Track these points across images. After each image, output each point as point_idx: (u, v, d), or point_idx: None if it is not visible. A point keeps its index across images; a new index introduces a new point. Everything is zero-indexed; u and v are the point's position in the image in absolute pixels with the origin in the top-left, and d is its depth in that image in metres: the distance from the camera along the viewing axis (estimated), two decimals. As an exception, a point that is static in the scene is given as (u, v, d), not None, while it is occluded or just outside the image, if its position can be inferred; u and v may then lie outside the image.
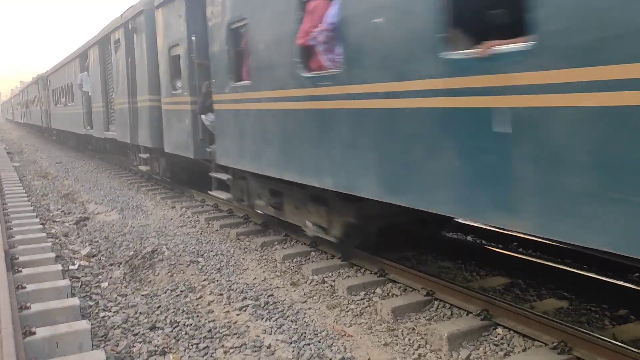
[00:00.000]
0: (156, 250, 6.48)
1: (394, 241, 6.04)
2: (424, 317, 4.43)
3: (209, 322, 4.57)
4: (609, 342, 3.41)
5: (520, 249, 5.93)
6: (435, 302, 4.63)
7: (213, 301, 5.05)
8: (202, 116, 7.93)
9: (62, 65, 21.08)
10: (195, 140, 8.24)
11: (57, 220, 8.80)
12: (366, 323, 4.43)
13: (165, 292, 5.29)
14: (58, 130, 24.24)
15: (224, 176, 7.70)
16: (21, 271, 5.28)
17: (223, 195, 7.86)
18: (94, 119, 15.66)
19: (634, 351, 3.27)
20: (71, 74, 19.05)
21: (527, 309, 4.11)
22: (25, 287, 4.77)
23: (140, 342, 4.22)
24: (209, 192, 8.37)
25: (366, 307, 4.73)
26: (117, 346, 4.16)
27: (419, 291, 4.81)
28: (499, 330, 4.02)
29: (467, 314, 4.31)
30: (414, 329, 4.25)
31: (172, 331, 4.41)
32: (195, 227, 8.07)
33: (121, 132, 12.56)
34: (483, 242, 6.34)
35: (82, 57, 16.95)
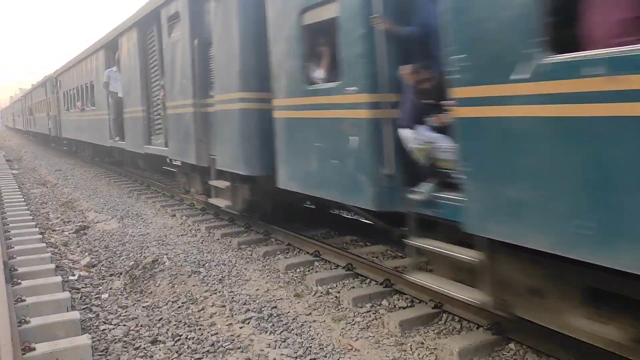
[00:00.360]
0: (157, 260, 6.37)
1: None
2: (433, 331, 4.33)
3: (212, 335, 4.47)
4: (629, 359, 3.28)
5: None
6: (444, 315, 4.52)
7: (215, 313, 4.95)
8: (407, 131, 4.36)
9: (78, 61, 17.31)
10: (380, 177, 4.52)
11: (57, 229, 8.69)
12: (373, 337, 4.32)
13: (167, 304, 5.19)
14: (70, 140, 21.07)
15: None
16: (20, 283, 5.17)
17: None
18: (126, 128, 12.06)
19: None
20: (91, 72, 15.51)
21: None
22: (24, 300, 4.66)
23: (141, 357, 4.12)
24: None
25: (373, 320, 4.62)
26: (118, 361, 4.05)
27: (426, 303, 4.70)
28: (512, 345, 3.91)
29: (477, 328, 4.21)
30: (422, 343, 4.14)
31: (174, 345, 4.31)
32: (196, 236, 7.96)
33: (178, 148, 8.99)
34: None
35: (109, 48, 13.43)
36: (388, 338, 4.27)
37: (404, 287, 5.07)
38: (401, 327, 4.31)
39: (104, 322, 4.80)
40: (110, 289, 5.75)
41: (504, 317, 4.06)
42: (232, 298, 5.26)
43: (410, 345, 4.11)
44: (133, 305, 5.23)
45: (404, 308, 4.77)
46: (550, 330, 3.74)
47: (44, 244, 7.08)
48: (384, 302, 4.93)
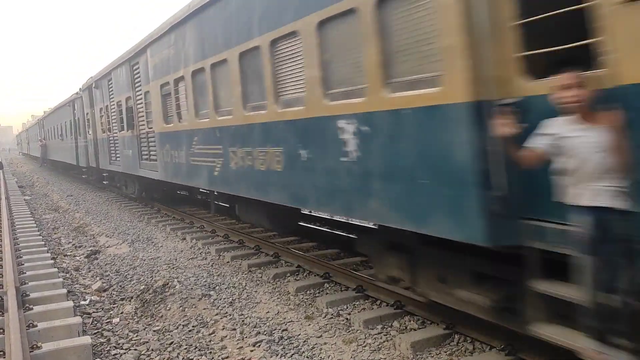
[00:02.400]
0: (167, 283, 6.39)
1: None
2: (445, 352, 4.28)
3: (223, 358, 4.46)
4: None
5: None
6: (456, 336, 4.47)
7: (226, 336, 4.93)
8: None
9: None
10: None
11: (68, 254, 8.76)
12: (385, 359, 4.28)
13: (177, 328, 5.19)
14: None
15: None
16: (32, 308, 5.20)
17: None
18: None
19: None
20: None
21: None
22: (36, 326, 4.69)
23: (152, 382, 4.11)
24: None
25: (384, 342, 4.58)
26: (129, 386, 4.04)
27: (438, 324, 4.66)
28: (526, 366, 3.86)
29: (490, 349, 4.16)
30: (435, 365, 4.10)
31: (185, 369, 4.30)
32: (206, 259, 7.98)
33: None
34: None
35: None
36: (400, 360, 4.23)
37: (415, 308, 5.04)
38: (413, 349, 4.27)
39: (115, 346, 4.81)
40: (121, 313, 5.76)
41: (517, 339, 4.00)
42: (243, 321, 5.24)
43: (423, 367, 4.06)
44: (144, 329, 5.24)
45: (415, 329, 4.73)
46: (564, 350, 3.68)
47: (56, 269, 7.14)
48: (395, 324, 4.89)
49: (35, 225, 11.06)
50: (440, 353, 4.27)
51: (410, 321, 4.92)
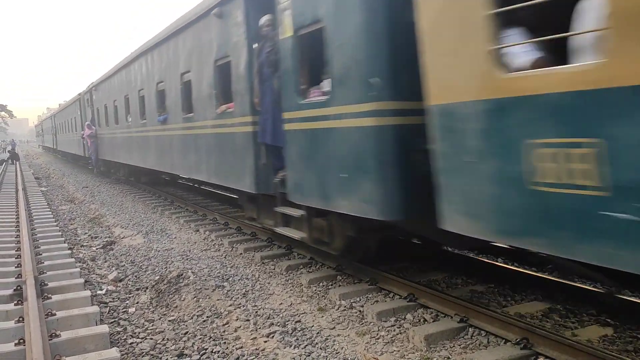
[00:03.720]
0: (181, 274, 6.44)
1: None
2: (459, 345, 4.27)
3: (237, 349, 4.49)
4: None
5: (555, 272, 5.73)
6: (470, 329, 4.46)
7: (240, 327, 4.97)
8: None
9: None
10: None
11: (85, 244, 8.87)
12: (398, 351, 4.29)
13: (192, 318, 5.24)
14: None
15: None
16: (51, 297, 5.29)
17: None
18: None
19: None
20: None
21: (570, 337, 3.92)
22: (55, 314, 4.76)
23: (168, 371, 4.16)
24: None
25: (397, 334, 4.59)
26: (145, 375, 4.10)
27: (452, 317, 4.65)
28: (541, 359, 3.84)
29: (504, 342, 4.14)
30: (449, 358, 4.09)
31: (199, 359, 4.34)
32: (219, 250, 8.03)
33: None
34: (516, 264, 6.15)
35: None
36: (413, 352, 4.24)
37: (429, 301, 5.03)
38: (426, 342, 4.27)
39: (131, 335, 4.87)
40: (137, 303, 5.84)
41: (531, 332, 4.00)
42: (256, 312, 5.28)
43: (436, 360, 4.07)
44: (159, 319, 5.30)
45: (429, 322, 4.72)
46: (580, 344, 3.68)
47: (73, 259, 7.24)
48: (409, 316, 4.90)
49: (52, 216, 11.22)
50: (454, 346, 4.27)
51: (423, 314, 4.92)
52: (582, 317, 4.59)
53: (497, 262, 6.31)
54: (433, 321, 4.73)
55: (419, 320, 4.81)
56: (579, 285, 5.19)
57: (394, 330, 4.66)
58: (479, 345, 4.25)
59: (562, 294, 4.96)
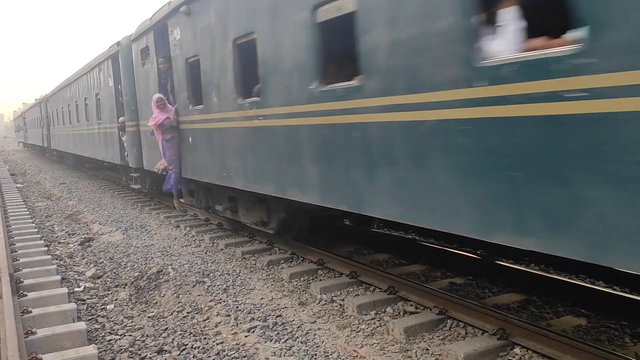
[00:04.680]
0: (161, 270, 6.40)
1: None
2: (438, 337, 4.33)
3: (217, 344, 4.48)
4: (632, 361, 3.29)
5: (533, 265, 5.84)
6: (449, 321, 4.52)
7: (220, 322, 4.96)
8: None
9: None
10: None
11: (62, 241, 8.73)
12: (378, 344, 4.32)
13: (172, 314, 5.20)
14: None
15: None
16: (26, 295, 5.21)
17: None
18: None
19: (660, 371, 3.15)
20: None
21: (545, 327, 4.00)
22: (30, 312, 4.69)
23: (147, 367, 4.13)
24: None
25: (377, 327, 4.62)
26: (124, 371, 4.06)
27: (431, 309, 4.71)
28: (517, 350, 3.91)
29: (482, 333, 4.21)
30: (427, 349, 4.14)
31: (180, 354, 4.32)
32: (200, 246, 7.99)
33: None
34: (494, 257, 6.24)
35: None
36: (393, 345, 4.27)
37: (408, 293, 5.08)
38: (406, 334, 4.32)
39: (109, 332, 4.82)
40: (116, 299, 5.77)
41: (507, 322, 4.07)
42: (237, 307, 5.27)
43: (415, 352, 4.11)
44: (138, 315, 5.25)
45: (409, 314, 4.77)
46: (555, 335, 3.77)
47: (50, 256, 7.12)
48: (389, 309, 4.94)
49: (28, 212, 11.01)
50: (433, 338, 4.32)
51: (403, 306, 4.97)
52: (558, 308, 4.69)
53: (475, 255, 6.39)
54: (412, 313, 4.78)
55: (399, 313, 4.85)
56: (555, 277, 5.29)
57: (374, 323, 4.69)
58: (457, 336, 4.30)
59: (538, 286, 5.05)
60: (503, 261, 5.98)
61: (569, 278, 5.28)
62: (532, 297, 4.90)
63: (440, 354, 4.00)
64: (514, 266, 5.68)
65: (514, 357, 3.85)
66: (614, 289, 4.92)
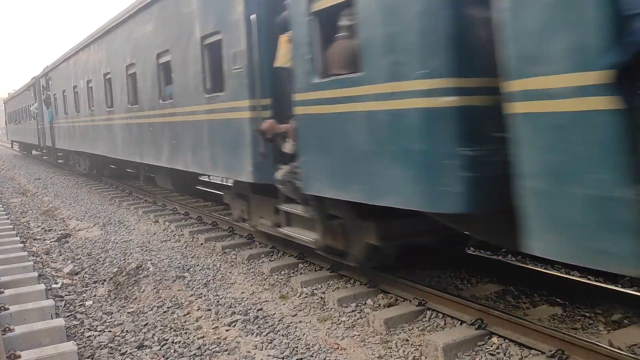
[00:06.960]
0: (141, 266, 6.34)
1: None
2: (417, 328, 4.39)
3: (198, 338, 4.47)
4: (606, 348, 3.41)
5: (509, 256, 5.95)
6: (428, 312, 4.59)
7: (201, 317, 4.95)
8: None
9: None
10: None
11: (38, 237, 8.58)
12: (359, 335, 4.37)
13: (152, 309, 5.17)
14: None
15: None
16: (3, 292, 5.11)
17: None
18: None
19: (631, 357, 3.27)
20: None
21: (522, 316, 4.10)
22: (8, 309, 4.61)
23: (128, 362, 4.10)
24: None
25: (358, 319, 4.67)
26: (104, 367, 4.03)
27: (410, 301, 4.77)
28: (494, 339, 3.99)
29: (460, 324, 4.29)
30: (407, 340, 4.21)
31: (160, 349, 4.30)
32: (179, 241, 7.93)
33: None
34: (471, 248, 6.34)
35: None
36: (373, 336, 4.33)
37: (388, 286, 5.14)
38: (386, 325, 4.37)
39: (89, 328, 4.77)
40: (95, 296, 5.71)
41: (485, 313, 4.16)
42: (218, 301, 5.26)
43: (396, 343, 4.17)
44: (118, 311, 5.21)
45: (389, 307, 4.82)
46: (531, 324, 3.87)
47: (26, 253, 7.00)
48: (369, 302, 4.99)
49: (2, 209, 10.78)
50: (412, 329, 4.39)
51: (383, 299, 5.02)
52: (534, 298, 4.79)
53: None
54: (392, 305, 4.83)
55: (379, 305, 4.91)
56: (531, 267, 5.41)
57: (355, 316, 4.74)
58: (436, 327, 4.38)
59: (515, 276, 5.16)
60: (481, 252, 6.09)
61: (545, 268, 5.40)
62: (509, 287, 5.00)
63: (419, 345, 4.06)
64: (492, 257, 5.78)
65: (491, 347, 3.94)
66: (589, 279, 5.05)
